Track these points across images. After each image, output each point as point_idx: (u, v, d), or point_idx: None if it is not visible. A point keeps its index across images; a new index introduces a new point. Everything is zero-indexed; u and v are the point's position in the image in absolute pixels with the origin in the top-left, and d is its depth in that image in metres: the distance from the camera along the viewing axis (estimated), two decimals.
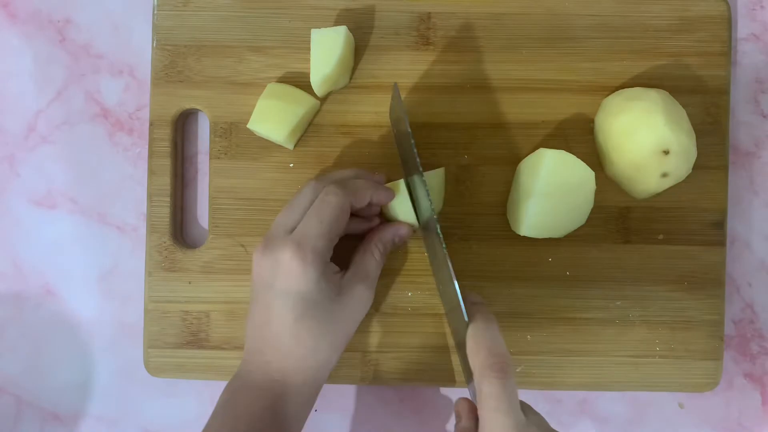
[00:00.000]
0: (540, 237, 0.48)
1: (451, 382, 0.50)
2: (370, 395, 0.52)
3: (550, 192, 0.46)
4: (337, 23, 0.50)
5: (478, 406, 0.39)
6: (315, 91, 0.49)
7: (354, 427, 0.52)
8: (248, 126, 0.49)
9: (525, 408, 0.40)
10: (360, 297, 0.45)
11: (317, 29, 0.49)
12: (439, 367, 0.50)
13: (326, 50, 0.48)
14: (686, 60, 0.50)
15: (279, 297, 0.42)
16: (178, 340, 0.50)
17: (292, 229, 0.44)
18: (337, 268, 0.45)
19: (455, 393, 0.52)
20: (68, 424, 0.53)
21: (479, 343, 0.40)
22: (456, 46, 0.51)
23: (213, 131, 0.51)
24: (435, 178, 0.49)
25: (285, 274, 0.42)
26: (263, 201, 0.50)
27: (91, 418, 0.53)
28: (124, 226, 0.53)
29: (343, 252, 0.46)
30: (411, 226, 0.48)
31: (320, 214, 0.43)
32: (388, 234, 0.48)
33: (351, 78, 0.50)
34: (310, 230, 0.43)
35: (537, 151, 0.47)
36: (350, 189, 0.45)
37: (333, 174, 0.47)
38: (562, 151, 0.47)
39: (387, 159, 0.50)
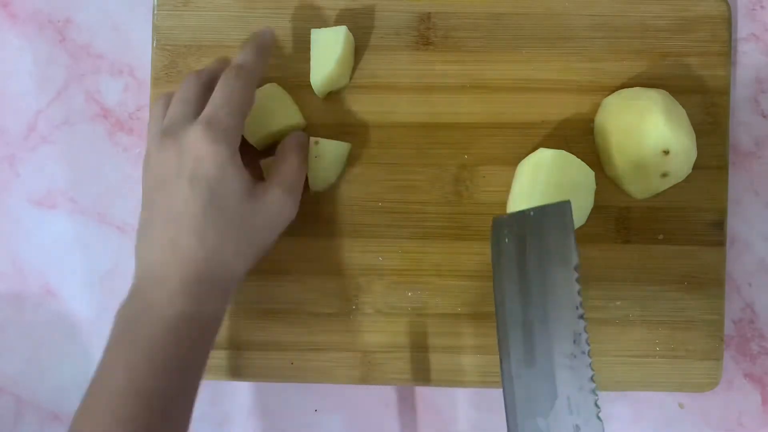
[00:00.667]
0: None
1: (451, 382, 0.50)
2: (370, 395, 0.52)
3: (550, 192, 0.46)
4: (337, 23, 0.50)
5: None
6: (315, 90, 0.49)
7: (354, 427, 0.52)
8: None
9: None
10: (275, 201, 0.42)
11: (317, 29, 0.49)
12: (439, 367, 0.50)
13: (326, 50, 0.48)
14: (686, 60, 0.50)
15: (187, 182, 0.39)
16: None
17: (196, 116, 0.41)
18: (249, 176, 0.42)
19: (455, 393, 0.52)
20: (68, 424, 0.52)
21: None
22: (456, 46, 0.51)
23: None
24: (338, 149, 0.49)
25: (195, 157, 0.39)
26: None
27: None
28: (124, 226, 0.53)
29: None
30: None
31: (230, 96, 0.40)
32: (303, 137, 0.46)
33: (351, 78, 0.50)
34: (217, 110, 0.40)
35: (537, 151, 0.47)
36: (257, 61, 0.43)
37: (202, 71, 0.45)
38: (562, 151, 0.47)
39: (387, 159, 0.50)
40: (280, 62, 0.50)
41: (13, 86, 0.53)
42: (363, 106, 0.50)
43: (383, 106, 0.50)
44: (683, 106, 0.48)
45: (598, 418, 0.40)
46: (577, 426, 0.40)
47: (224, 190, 0.39)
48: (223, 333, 0.50)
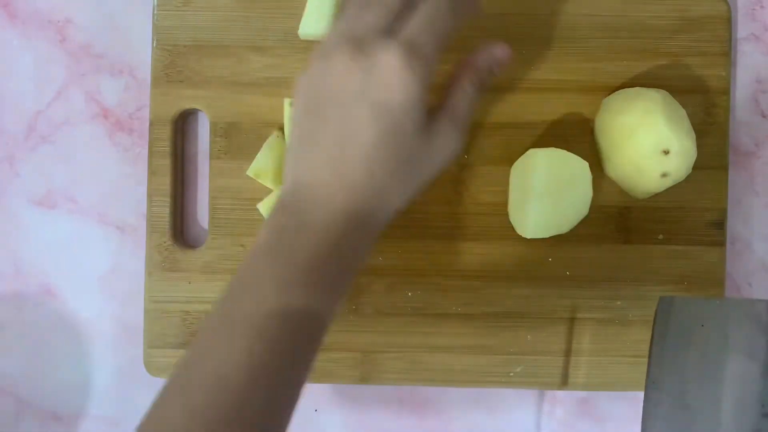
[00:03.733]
0: (547, 236, 0.48)
1: (451, 382, 0.50)
2: (370, 395, 0.52)
3: (548, 191, 0.47)
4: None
5: None
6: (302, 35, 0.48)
7: (354, 427, 0.52)
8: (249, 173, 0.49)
9: None
10: (447, 139, 0.38)
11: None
12: (439, 367, 0.50)
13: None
14: (686, 60, 0.50)
15: (369, 108, 0.35)
16: (179, 340, 0.50)
17: (389, 32, 0.36)
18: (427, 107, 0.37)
19: (455, 393, 0.52)
20: (68, 424, 0.53)
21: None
22: (456, 46, 0.50)
23: (213, 131, 0.51)
24: None
25: (383, 84, 0.35)
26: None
27: (91, 418, 0.53)
28: (124, 226, 0.53)
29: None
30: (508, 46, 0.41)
31: (432, 17, 0.36)
32: (481, 61, 0.41)
33: None
34: (419, 35, 0.35)
35: (527, 153, 0.48)
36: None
37: None
38: (552, 148, 0.47)
39: None
40: (278, 62, 0.50)
41: (13, 86, 0.53)
42: None
43: None
44: (683, 106, 0.48)
45: None
46: None
47: (405, 126, 0.35)
48: None
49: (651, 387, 0.38)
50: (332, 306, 0.37)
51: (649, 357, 0.38)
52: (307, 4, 0.48)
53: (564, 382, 0.50)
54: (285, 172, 0.38)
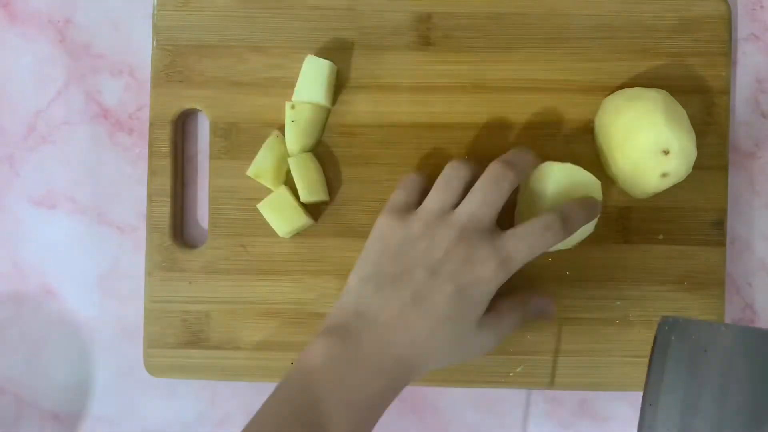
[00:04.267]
0: (552, 251, 0.48)
1: (451, 382, 0.50)
2: None
3: (558, 203, 0.46)
4: (337, 23, 0.50)
5: None
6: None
7: None
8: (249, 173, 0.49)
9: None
10: (488, 342, 0.44)
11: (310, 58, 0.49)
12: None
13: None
14: (686, 60, 0.50)
15: (455, 290, 0.41)
16: (178, 340, 0.50)
17: (491, 228, 0.42)
18: None
19: (455, 393, 0.52)
20: (68, 424, 0.53)
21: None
22: (456, 46, 0.51)
23: (213, 131, 0.51)
24: (316, 113, 0.49)
25: (477, 278, 0.41)
26: None
27: (91, 418, 0.53)
28: (124, 226, 0.53)
29: None
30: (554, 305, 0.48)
31: (534, 247, 0.42)
32: (539, 304, 0.47)
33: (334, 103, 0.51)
34: (521, 255, 0.42)
35: (543, 165, 0.47)
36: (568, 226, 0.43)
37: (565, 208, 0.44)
38: (569, 164, 0.46)
39: (386, 159, 0.50)
40: (278, 62, 0.50)
41: (13, 86, 0.53)
42: (363, 106, 0.50)
43: (383, 106, 0.50)
44: (683, 106, 0.48)
45: None
46: None
47: (472, 318, 0.42)
48: (223, 333, 0.50)
49: (647, 409, 0.38)
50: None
51: (648, 376, 0.38)
52: (300, 76, 0.49)
53: (564, 382, 0.50)
54: (347, 295, 0.43)
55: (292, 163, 0.49)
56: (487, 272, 0.41)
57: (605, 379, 0.50)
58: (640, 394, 0.52)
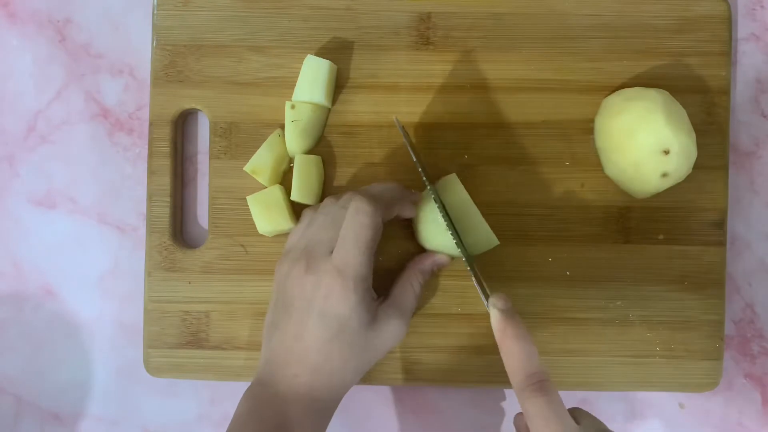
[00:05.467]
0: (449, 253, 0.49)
1: (451, 382, 0.50)
2: (370, 395, 0.52)
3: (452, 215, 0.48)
4: (336, 23, 0.50)
5: (529, 425, 0.38)
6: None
7: (354, 427, 0.52)
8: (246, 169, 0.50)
9: (576, 413, 0.40)
10: (394, 330, 0.44)
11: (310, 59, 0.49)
12: (439, 367, 0.50)
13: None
14: (686, 60, 0.50)
15: (317, 316, 0.43)
16: (178, 340, 0.50)
17: (331, 249, 0.44)
18: (375, 295, 0.45)
19: (455, 393, 0.52)
20: (68, 424, 0.53)
21: (514, 364, 0.40)
22: (456, 46, 0.51)
23: (213, 131, 0.51)
24: (316, 113, 0.49)
25: (326, 297, 0.43)
26: None
27: (91, 418, 0.53)
28: (124, 226, 0.53)
29: (383, 277, 0.48)
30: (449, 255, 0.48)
31: (357, 238, 0.43)
32: (427, 263, 0.48)
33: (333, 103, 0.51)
34: (350, 257, 0.43)
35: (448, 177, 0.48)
36: (379, 204, 0.44)
37: (370, 187, 0.47)
38: (453, 174, 0.48)
39: (386, 159, 0.50)
40: (278, 62, 0.50)
41: (13, 86, 0.53)
42: (363, 106, 0.50)
43: (383, 106, 0.50)
44: (683, 106, 0.48)
45: None
46: None
47: (352, 325, 0.43)
48: (223, 333, 0.50)
49: None
50: None
51: None
52: (300, 76, 0.49)
53: (564, 382, 0.50)
54: (262, 349, 0.45)
55: (298, 161, 0.49)
56: (334, 287, 0.43)
57: (605, 379, 0.50)
58: (640, 394, 0.52)
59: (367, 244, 0.43)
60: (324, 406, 0.44)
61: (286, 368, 0.43)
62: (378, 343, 0.44)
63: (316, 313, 0.43)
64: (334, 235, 0.44)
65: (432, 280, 0.50)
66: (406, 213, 0.47)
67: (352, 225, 0.43)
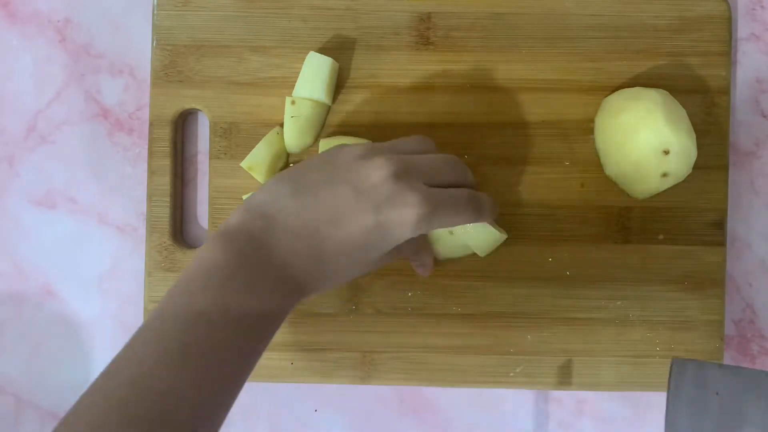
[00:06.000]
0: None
1: (451, 382, 0.50)
2: (370, 395, 0.52)
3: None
4: (336, 23, 0.50)
5: None
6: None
7: (354, 427, 0.52)
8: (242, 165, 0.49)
9: None
10: (379, 264, 0.42)
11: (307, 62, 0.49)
12: (439, 367, 0.50)
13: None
14: (686, 60, 0.50)
15: (372, 219, 0.38)
16: None
17: (424, 182, 0.40)
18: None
19: (455, 393, 0.52)
20: None
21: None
22: (456, 46, 0.51)
23: (213, 131, 0.51)
24: (316, 109, 0.49)
25: (400, 213, 0.38)
26: None
27: None
28: (124, 226, 0.53)
29: None
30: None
31: (456, 208, 0.41)
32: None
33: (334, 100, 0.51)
34: (445, 210, 0.40)
35: None
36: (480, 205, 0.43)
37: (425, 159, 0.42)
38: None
39: None
40: (278, 62, 0.50)
41: (13, 86, 0.53)
42: (363, 106, 0.50)
43: (383, 106, 0.50)
44: (683, 106, 0.48)
45: None
46: None
47: (381, 250, 0.40)
48: None
49: None
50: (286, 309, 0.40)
51: (665, 420, 0.38)
52: (302, 72, 0.49)
53: (563, 382, 0.50)
54: (259, 192, 0.40)
55: (295, 158, 0.49)
56: (412, 217, 0.39)
57: (605, 379, 0.50)
58: (640, 394, 0.52)
59: (459, 222, 0.42)
60: (291, 304, 0.40)
61: (290, 240, 0.38)
62: (364, 268, 0.41)
63: (377, 219, 0.38)
64: (431, 177, 0.41)
65: (432, 280, 0.50)
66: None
67: (461, 199, 0.41)
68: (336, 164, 0.40)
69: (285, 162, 0.50)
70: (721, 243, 0.50)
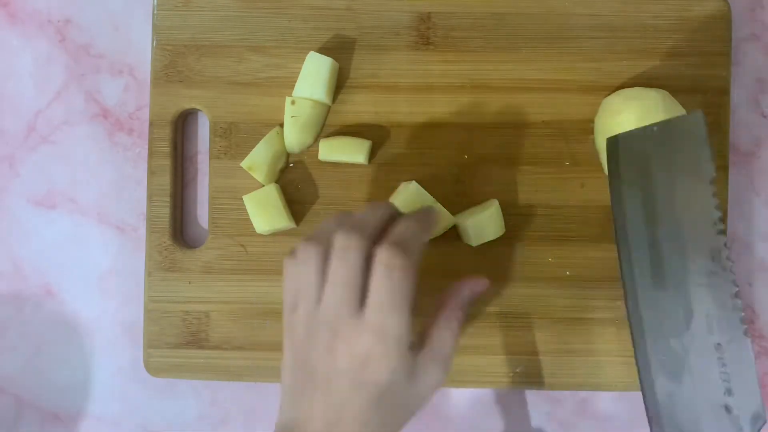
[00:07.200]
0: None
1: (451, 382, 0.50)
2: None
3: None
4: (336, 23, 0.50)
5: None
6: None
7: None
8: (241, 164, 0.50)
9: None
10: (434, 381, 0.40)
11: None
12: None
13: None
14: (686, 60, 0.50)
15: (352, 386, 0.38)
16: (178, 340, 0.50)
17: (358, 305, 0.38)
18: (412, 341, 0.39)
19: (456, 393, 0.52)
20: (68, 424, 0.53)
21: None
22: (456, 46, 0.51)
23: (213, 131, 0.51)
24: (316, 109, 0.49)
25: (363, 364, 0.38)
26: None
27: (91, 418, 0.53)
28: (124, 226, 0.53)
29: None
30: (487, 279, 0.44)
31: (393, 299, 0.37)
32: (464, 293, 0.43)
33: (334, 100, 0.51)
34: (389, 320, 0.37)
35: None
36: (410, 249, 0.39)
37: (395, 229, 0.40)
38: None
39: (386, 159, 0.50)
40: (278, 62, 0.50)
41: (12, 86, 0.53)
42: (363, 106, 0.50)
43: (383, 106, 0.50)
44: (683, 106, 0.48)
45: (745, 334, 0.38)
46: (718, 344, 0.38)
47: (391, 389, 0.38)
48: (223, 333, 0.50)
49: (619, 232, 0.39)
50: None
51: (611, 198, 0.39)
52: (302, 72, 0.49)
53: (564, 383, 0.50)
54: (281, 411, 0.40)
55: (295, 158, 0.49)
56: (371, 355, 0.37)
57: (605, 379, 0.50)
58: (640, 394, 0.52)
59: (405, 302, 0.38)
60: None
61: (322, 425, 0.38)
62: (418, 397, 0.40)
63: (351, 382, 0.38)
64: (356, 288, 0.38)
65: (432, 280, 0.50)
66: (431, 235, 0.42)
67: (386, 286, 0.38)
68: (304, 351, 0.39)
69: (285, 162, 0.50)
70: None
